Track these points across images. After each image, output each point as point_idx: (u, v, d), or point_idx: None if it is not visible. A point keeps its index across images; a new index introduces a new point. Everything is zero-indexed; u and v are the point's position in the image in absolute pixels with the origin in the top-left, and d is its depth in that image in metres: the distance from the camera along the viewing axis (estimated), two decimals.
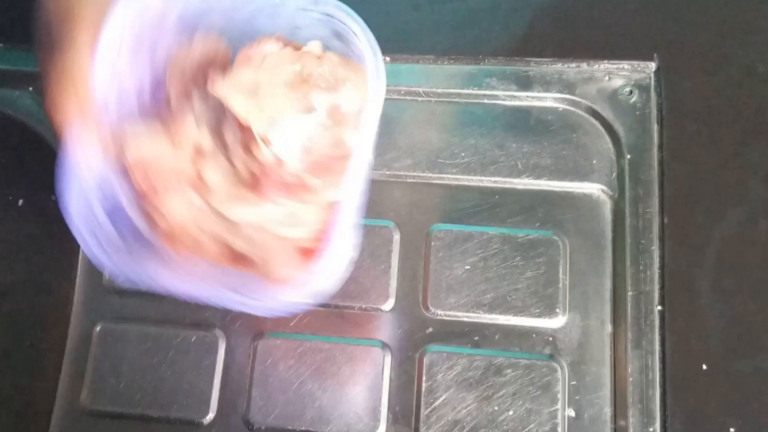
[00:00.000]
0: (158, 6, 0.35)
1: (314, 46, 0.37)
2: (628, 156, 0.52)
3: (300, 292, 0.35)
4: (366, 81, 0.36)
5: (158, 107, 0.38)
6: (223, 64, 0.39)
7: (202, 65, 0.38)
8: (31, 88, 0.59)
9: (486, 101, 0.55)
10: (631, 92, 0.54)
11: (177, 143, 0.36)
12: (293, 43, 0.37)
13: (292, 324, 0.51)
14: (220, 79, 0.35)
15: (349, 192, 0.34)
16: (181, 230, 0.36)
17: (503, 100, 0.55)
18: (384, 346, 0.50)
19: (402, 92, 0.56)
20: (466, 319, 0.50)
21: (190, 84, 0.38)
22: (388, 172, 0.54)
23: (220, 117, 0.36)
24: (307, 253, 0.36)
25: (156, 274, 0.36)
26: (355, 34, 0.35)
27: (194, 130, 0.36)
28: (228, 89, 0.34)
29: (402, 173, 0.54)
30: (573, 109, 0.54)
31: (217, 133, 0.36)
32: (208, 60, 0.38)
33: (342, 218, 0.34)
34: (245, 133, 0.35)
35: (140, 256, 0.37)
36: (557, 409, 0.48)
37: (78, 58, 0.33)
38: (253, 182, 0.35)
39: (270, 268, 0.36)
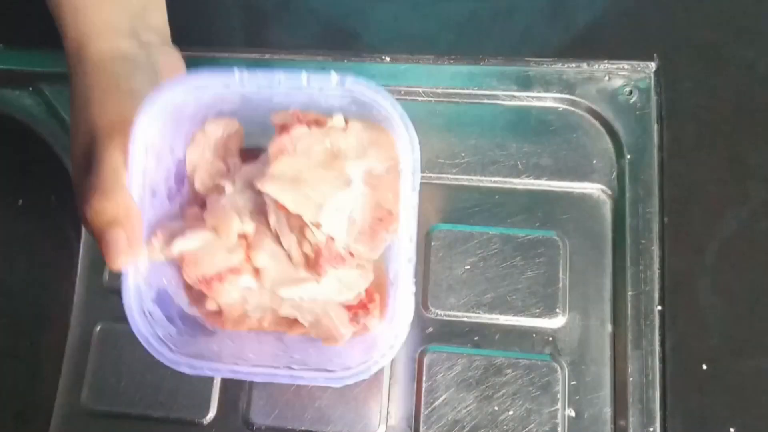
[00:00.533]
0: (179, 100, 0.36)
1: (338, 120, 0.38)
2: (628, 156, 0.52)
3: (361, 350, 0.36)
4: (389, 138, 0.37)
5: (183, 194, 0.40)
6: (238, 142, 0.40)
7: (220, 148, 0.40)
8: (31, 88, 0.59)
9: (486, 101, 0.55)
10: (631, 92, 0.54)
11: (222, 234, 0.37)
12: (310, 114, 0.38)
13: None
14: (262, 175, 0.36)
15: (401, 249, 0.35)
16: (229, 310, 0.38)
17: (503, 100, 0.55)
18: None
19: (402, 92, 0.56)
20: (466, 319, 0.50)
21: (212, 168, 0.39)
22: None
23: (256, 199, 0.38)
24: (354, 308, 0.38)
25: (212, 353, 0.37)
26: (382, 106, 0.35)
27: (236, 219, 0.37)
28: (274, 186, 0.36)
29: None
30: (573, 109, 0.54)
31: (259, 218, 0.38)
32: (224, 142, 0.40)
33: (394, 274, 0.36)
34: (292, 216, 0.36)
35: (192, 336, 0.38)
36: (557, 409, 0.48)
37: (112, 168, 0.34)
38: (307, 261, 0.37)
39: (322, 329, 0.37)
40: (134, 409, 0.50)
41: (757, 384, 0.47)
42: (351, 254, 0.37)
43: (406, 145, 0.35)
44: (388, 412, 0.49)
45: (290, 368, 0.36)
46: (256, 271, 0.38)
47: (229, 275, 0.37)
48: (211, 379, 0.50)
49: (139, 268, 0.36)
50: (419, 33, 0.57)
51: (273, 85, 0.35)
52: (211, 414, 0.50)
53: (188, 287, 0.40)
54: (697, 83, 0.53)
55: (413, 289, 0.35)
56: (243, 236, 0.38)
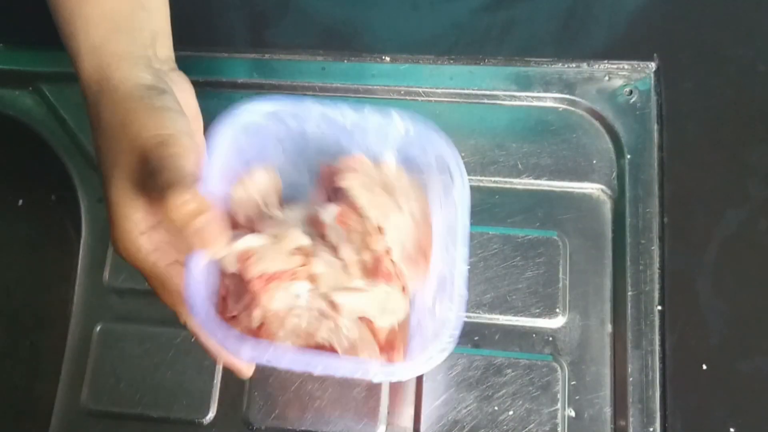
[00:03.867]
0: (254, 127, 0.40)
1: (390, 161, 0.42)
2: (628, 156, 0.52)
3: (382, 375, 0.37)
4: (422, 197, 0.41)
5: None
6: (278, 192, 0.44)
7: (262, 192, 0.43)
8: (31, 88, 0.59)
9: (486, 101, 0.55)
10: (631, 92, 0.54)
11: (283, 241, 0.39)
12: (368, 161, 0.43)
13: None
14: (345, 174, 0.40)
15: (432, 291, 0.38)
16: (270, 323, 0.39)
17: (503, 100, 0.55)
18: None
19: (402, 92, 0.56)
20: (466, 319, 0.50)
21: (254, 208, 0.42)
22: None
23: (305, 227, 0.41)
24: (387, 347, 0.40)
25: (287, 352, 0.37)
26: (447, 160, 0.39)
27: (298, 228, 0.40)
28: (356, 182, 0.39)
29: None
30: (573, 109, 0.54)
31: (312, 237, 0.40)
32: (265, 187, 0.43)
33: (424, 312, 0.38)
34: (351, 230, 0.39)
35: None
36: (557, 409, 0.48)
37: (179, 170, 0.35)
38: (365, 269, 0.39)
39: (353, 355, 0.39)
40: (134, 409, 0.50)
41: (757, 384, 0.47)
42: (401, 273, 0.39)
43: (462, 204, 0.38)
44: (388, 412, 0.49)
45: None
46: (313, 279, 0.40)
47: (287, 276, 0.39)
48: (211, 379, 0.50)
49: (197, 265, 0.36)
50: (419, 33, 0.57)
51: (344, 121, 0.39)
52: (211, 414, 0.50)
53: (222, 305, 0.41)
54: (697, 83, 0.53)
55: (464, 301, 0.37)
56: (300, 250, 0.40)
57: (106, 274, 0.54)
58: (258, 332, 0.39)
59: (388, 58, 0.56)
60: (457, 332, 0.36)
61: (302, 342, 0.40)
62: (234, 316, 0.40)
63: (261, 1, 0.60)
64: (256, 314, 0.39)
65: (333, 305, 0.39)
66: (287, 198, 0.44)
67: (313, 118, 0.39)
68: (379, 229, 0.38)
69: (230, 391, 0.50)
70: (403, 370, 0.36)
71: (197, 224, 0.34)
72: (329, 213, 0.39)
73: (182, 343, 0.51)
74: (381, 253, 0.38)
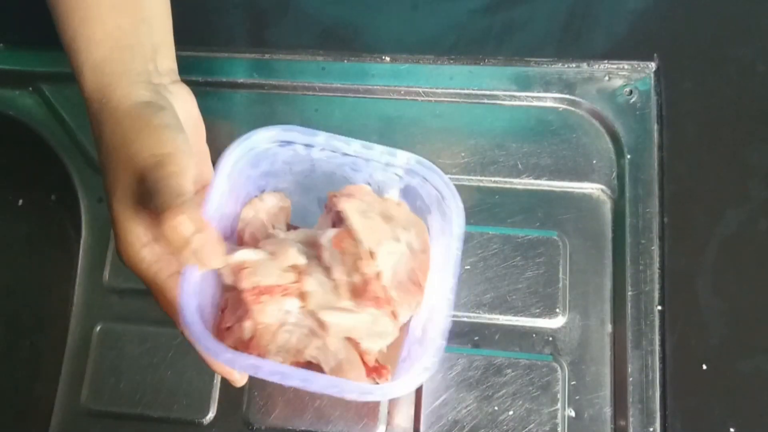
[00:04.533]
0: (256, 152, 0.41)
1: (393, 195, 0.44)
2: (628, 156, 0.52)
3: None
4: (423, 230, 0.43)
5: (231, 241, 0.44)
6: (287, 216, 0.46)
7: (271, 215, 0.46)
8: (31, 88, 0.59)
9: (486, 101, 0.55)
10: (631, 92, 0.54)
11: (279, 257, 0.41)
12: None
13: None
14: (344, 198, 0.42)
15: (422, 318, 0.39)
16: (260, 337, 0.41)
17: (503, 100, 0.55)
18: None
19: (402, 92, 0.56)
20: (466, 319, 0.50)
21: (261, 228, 0.45)
22: None
23: (305, 248, 0.42)
24: (369, 370, 0.41)
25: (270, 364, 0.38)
26: (443, 196, 0.40)
27: (294, 248, 0.41)
28: (351, 206, 0.41)
29: None
30: (573, 109, 0.54)
31: (309, 258, 0.42)
32: (275, 211, 0.46)
33: (413, 340, 0.39)
34: (345, 252, 0.41)
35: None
36: (557, 409, 0.48)
37: (175, 190, 0.36)
38: (354, 291, 0.40)
39: (340, 376, 0.40)
40: (134, 409, 0.50)
41: (757, 384, 0.47)
42: (390, 299, 0.40)
43: (457, 229, 0.40)
44: (388, 412, 0.49)
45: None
46: (303, 296, 0.41)
47: (279, 290, 0.40)
48: (211, 379, 0.50)
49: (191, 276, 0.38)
50: (419, 33, 0.57)
51: (348, 150, 0.41)
52: (211, 414, 0.50)
53: (216, 316, 0.43)
54: (697, 83, 0.53)
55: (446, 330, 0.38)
56: (294, 268, 0.42)
57: (106, 274, 0.54)
58: (249, 344, 0.41)
59: (388, 58, 0.56)
60: (436, 359, 0.37)
61: (292, 358, 0.41)
62: (228, 327, 0.41)
63: (261, 1, 0.60)
64: (247, 326, 0.41)
65: (321, 323, 0.40)
66: (295, 222, 0.47)
67: (319, 145, 0.41)
68: (371, 254, 0.40)
69: (230, 391, 0.50)
70: (379, 392, 0.38)
71: (192, 245, 0.36)
72: (326, 236, 0.41)
73: (182, 343, 0.51)
74: (370, 276, 0.40)
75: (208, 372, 0.50)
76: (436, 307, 0.39)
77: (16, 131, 0.58)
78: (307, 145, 0.41)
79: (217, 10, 0.60)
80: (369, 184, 0.44)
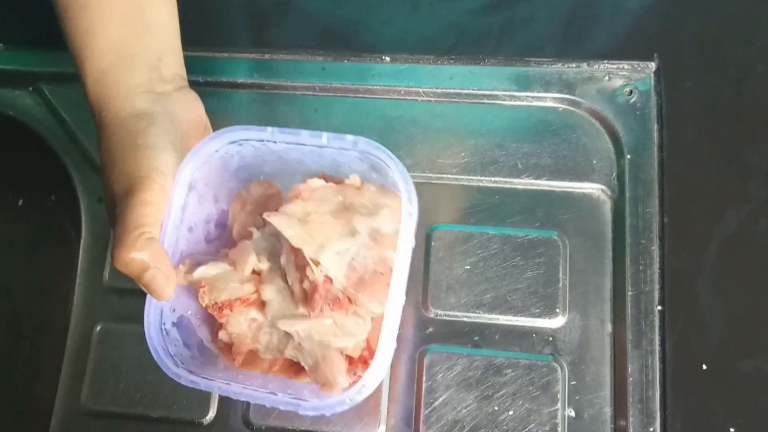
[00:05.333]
0: (221, 155, 0.42)
1: (354, 180, 0.43)
2: (628, 156, 0.52)
3: (345, 394, 0.39)
4: (397, 207, 0.41)
5: (222, 239, 0.46)
6: (277, 202, 0.46)
7: (259, 204, 0.46)
8: (31, 88, 0.59)
9: (486, 101, 0.55)
10: (631, 92, 0.54)
11: (239, 268, 0.42)
12: (335, 178, 0.44)
13: None
14: (274, 212, 0.41)
15: (392, 305, 0.38)
16: (239, 343, 0.43)
17: (503, 100, 0.55)
18: None
19: (402, 92, 0.56)
20: (466, 319, 0.50)
21: (249, 220, 0.45)
22: None
23: (275, 245, 0.43)
24: (355, 361, 0.41)
25: (215, 380, 0.40)
26: (388, 166, 0.39)
27: (253, 256, 0.42)
28: (281, 219, 0.41)
29: None
30: (573, 109, 0.54)
31: (274, 259, 0.42)
32: (264, 200, 0.46)
33: (385, 329, 0.38)
34: (298, 256, 0.41)
35: (203, 363, 0.43)
36: (557, 409, 0.48)
37: (133, 223, 0.38)
38: (305, 298, 0.41)
39: (320, 374, 0.41)
40: (134, 409, 0.50)
41: (757, 384, 0.47)
42: (349, 299, 0.41)
43: (405, 204, 0.39)
44: (387, 412, 0.49)
45: (274, 394, 0.40)
46: (262, 304, 0.42)
47: (238, 304, 0.42)
48: None
49: (161, 285, 0.39)
50: (419, 33, 0.57)
51: (298, 140, 0.40)
52: (211, 414, 0.50)
53: (210, 322, 0.45)
54: (697, 83, 0.53)
55: (395, 331, 0.38)
56: (258, 273, 0.43)
57: (106, 274, 0.54)
58: (230, 350, 0.43)
59: (388, 58, 0.56)
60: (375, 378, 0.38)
61: (279, 355, 0.42)
62: (215, 337, 0.44)
63: (261, 1, 0.60)
64: (223, 335, 0.43)
65: (283, 331, 0.42)
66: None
67: (268, 139, 0.41)
68: (314, 261, 0.40)
69: None
70: (326, 407, 0.38)
71: (143, 280, 0.38)
72: (281, 234, 0.41)
73: None
74: (317, 282, 0.40)
75: None
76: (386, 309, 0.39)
77: (16, 131, 0.58)
78: (259, 141, 0.41)
79: (217, 10, 0.60)
80: (335, 169, 0.44)
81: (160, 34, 0.44)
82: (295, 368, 0.43)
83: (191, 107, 0.43)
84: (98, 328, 0.52)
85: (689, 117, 0.52)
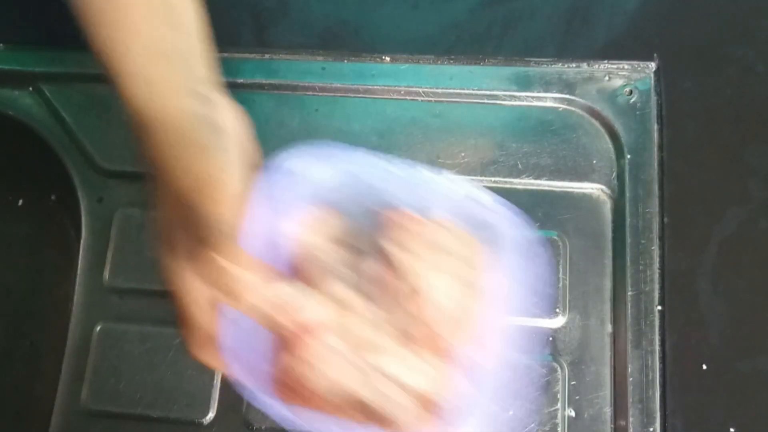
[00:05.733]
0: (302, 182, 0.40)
1: (438, 214, 0.40)
2: (628, 156, 0.52)
3: None
4: (477, 252, 0.39)
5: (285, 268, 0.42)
6: (340, 233, 0.42)
7: (324, 233, 0.42)
8: (31, 88, 0.59)
9: (486, 101, 0.55)
10: (631, 92, 0.54)
11: (318, 287, 0.39)
12: (415, 217, 0.41)
13: None
14: (387, 237, 0.39)
15: (480, 357, 0.37)
16: (308, 370, 0.38)
17: (503, 100, 0.55)
18: None
19: (402, 92, 0.56)
20: None
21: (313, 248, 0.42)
22: None
23: (355, 276, 0.40)
24: (432, 409, 0.38)
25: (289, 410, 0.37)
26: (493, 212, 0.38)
27: (333, 278, 0.39)
28: (393, 246, 0.38)
29: None
30: (573, 109, 0.54)
31: (356, 288, 0.39)
32: (328, 229, 0.43)
33: (469, 377, 0.37)
34: (392, 288, 0.38)
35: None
36: (557, 409, 0.48)
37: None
38: (403, 333, 0.38)
39: (394, 422, 0.37)
40: (134, 409, 0.50)
41: (757, 384, 0.47)
42: (441, 339, 0.38)
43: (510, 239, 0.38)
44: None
45: None
46: (343, 333, 0.39)
47: (318, 327, 0.38)
48: (211, 379, 0.50)
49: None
50: (419, 33, 0.57)
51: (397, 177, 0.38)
52: (211, 414, 0.50)
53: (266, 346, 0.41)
54: (697, 83, 0.53)
55: None
56: (335, 300, 0.39)
57: (106, 274, 0.54)
58: (294, 382, 0.39)
59: (388, 58, 0.56)
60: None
61: (345, 397, 0.39)
62: (277, 366, 0.40)
63: (261, 1, 0.60)
64: (291, 362, 0.39)
65: (369, 365, 0.38)
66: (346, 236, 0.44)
67: (364, 165, 0.39)
68: (415, 292, 0.38)
69: (230, 391, 0.50)
70: None
71: (227, 282, 0.36)
72: (370, 266, 0.39)
73: (182, 343, 0.51)
74: (416, 315, 0.37)
75: (208, 372, 0.50)
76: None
77: (16, 131, 0.58)
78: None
79: (217, 10, 0.60)
80: (416, 207, 0.41)
81: (192, 35, 0.42)
82: (369, 412, 0.39)
83: (235, 113, 0.42)
84: (98, 328, 0.52)
85: (689, 117, 0.52)
